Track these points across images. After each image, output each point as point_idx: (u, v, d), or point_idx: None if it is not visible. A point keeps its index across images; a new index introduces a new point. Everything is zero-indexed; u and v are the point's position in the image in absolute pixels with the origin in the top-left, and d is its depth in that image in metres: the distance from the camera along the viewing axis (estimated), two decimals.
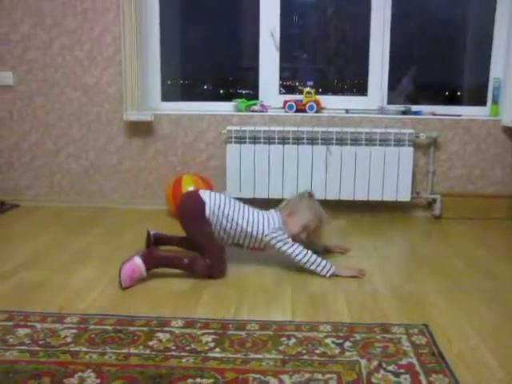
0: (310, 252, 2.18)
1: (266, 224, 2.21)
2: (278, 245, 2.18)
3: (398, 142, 3.00)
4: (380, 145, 3.00)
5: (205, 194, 2.25)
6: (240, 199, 3.01)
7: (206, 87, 3.82)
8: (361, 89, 3.37)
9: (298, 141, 3.03)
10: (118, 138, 3.26)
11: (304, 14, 3.59)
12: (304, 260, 2.17)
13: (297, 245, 2.18)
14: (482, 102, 3.24)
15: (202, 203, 2.20)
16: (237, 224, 2.20)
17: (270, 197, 3.05)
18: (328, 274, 2.15)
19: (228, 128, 3.06)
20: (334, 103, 3.24)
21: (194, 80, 3.75)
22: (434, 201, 3.12)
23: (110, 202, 3.30)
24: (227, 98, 3.44)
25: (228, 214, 2.20)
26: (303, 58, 3.74)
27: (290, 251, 2.18)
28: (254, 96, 3.30)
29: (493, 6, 3.13)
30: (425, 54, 3.53)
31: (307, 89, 3.19)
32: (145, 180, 3.29)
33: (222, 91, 3.82)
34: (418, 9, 3.47)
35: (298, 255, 2.17)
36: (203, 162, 3.23)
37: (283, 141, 3.03)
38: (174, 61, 3.53)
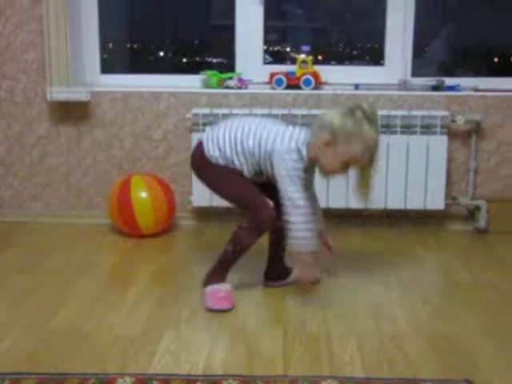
0: (310, 219, 2.18)
1: (279, 138, 2.19)
2: (280, 174, 2.16)
3: (427, 129, 3.04)
4: (402, 133, 3.05)
5: (205, 135, 2.35)
6: (211, 208, 3.09)
7: (162, 54, 3.83)
8: (376, 56, 3.41)
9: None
10: (40, 125, 3.24)
11: None
12: (296, 223, 2.16)
13: (303, 195, 2.16)
14: None
15: (201, 145, 2.30)
16: (248, 142, 2.23)
17: None
18: (298, 248, 2.18)
19: (194, 111, 3.08)
20: (340, 76, 3.27)
21: (147, 44, 3.76)
22: (478, 209, 3.16)
23: (27, 215, 3.29)
24: (192, 69, 3.45)
25: (237, 136, 2.25)
26: (297, 14, 3.78)
27: (288, 197, 2.15)
28: (230, 67, 3.31)
29: None
30: (463, 5, 3.59)
31: (302, 56, 3.21)
32: (78, 183, 3.28)
33: (185, 60, 3.83)
34: None
35: (293, 211, 2.15)
36: (160, 158, 3.23)
37: None
38: (118, 17, 3.54)
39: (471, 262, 2.78)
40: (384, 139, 3.02)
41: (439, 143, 3.05)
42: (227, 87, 3.20)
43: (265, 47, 3.49)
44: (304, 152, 2.17)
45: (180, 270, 2.68)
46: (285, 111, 3.07)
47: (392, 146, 3.05)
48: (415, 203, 3.09)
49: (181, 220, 3.22)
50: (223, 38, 3.44)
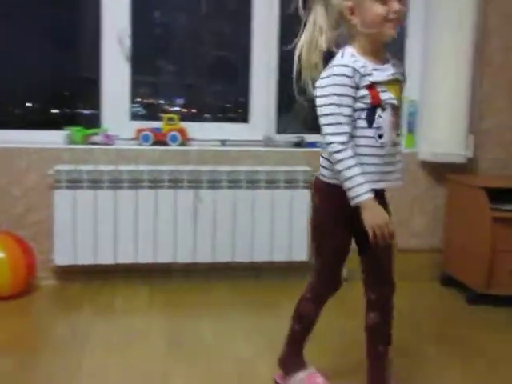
0: (356, 163, 1.78)
1: None
2: (319, 111, 1.82)
3: (290, 184, 3.19)
4: (266, 188, 3.18)
5: None
6: (74, 266, 3.05)
7: (29, 105, 3.76)
8: (245, 112, 3.53)
9: (156, 184, 3.11)
10: None
11: (170, 9, 3.73)
12: (341, 171, 1.79)
13: (342, 138, 1.78)
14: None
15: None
16: None
17: (118, 261, 3.08)
18: (355, 200, 1.79)
19: (57, 167, 3.06)
20: (206, 132, 3.38)
21: (9, 95, 3.67)
22: None
23: None
24: (62, 121, 3.40)
25: None
26: (169, 70, 3.86)
27: (326, 141, 1.80)
28: (99, 120, 3.34)
29: None
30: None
31: (169, 114, 3.32)
32: None
33: (54, 111, 3.78)
34: None
35: (333, 158, 1.80)
36: (19, 216, 3.16)
37: (136, 184, 3.09)
38: None
39: (335, 309, 2.87)
40: (249, 195, 3.17)
41: (302, 197, 3.20)
42: (93, 143, 3.22)
43: (139, 99, 3.56)
44: (351, 51, 1.82)
45: (39, 335, 2.61)
46: (152, 167, 3.12)
47: (257, 201, 3.17)
48: (280, 255, 3.21)
49: (42, 280, 3.14)
50: (93, 91, 3.44)
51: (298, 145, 3.38)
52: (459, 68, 3.26)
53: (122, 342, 2.46)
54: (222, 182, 3.15)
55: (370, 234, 1.78)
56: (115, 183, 3.07)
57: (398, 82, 1.87)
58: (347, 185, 1.77)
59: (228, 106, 3.91)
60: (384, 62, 1.86)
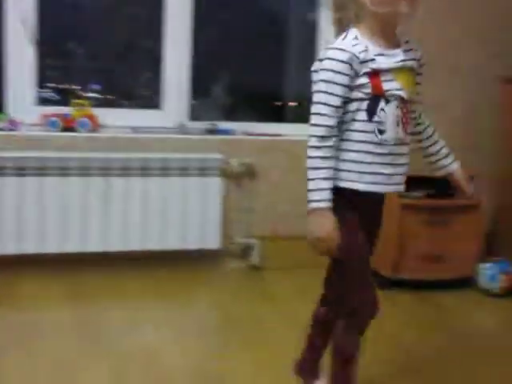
0: (327, 168, 1.60)
1: None
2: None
3: (202, 171, 3.19)
4: (178, 175, 3.16)
5: None
6: None
7: None
8: (158, 99, 3.49)
9: (64, 172, 3.03)
10: None
11: None
12: (308, 166, 1.61)
13: (325, 131, 1.59)
14: (307, 117, 3.61)
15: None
16: None
17: (23, 251, 2.99)
18: (311, 205, 1.61)
19: None
20: (119, 119, 3.32)
21: None
22: (251, 247, 3.34)
23: None
24: None
25: None
26: (83, 55, 3.77)
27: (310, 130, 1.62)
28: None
29: None
30: (242, 52, 3.81)
31: (80, 100, 3.24)
32: None
33: None
34: None
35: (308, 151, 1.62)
36: None
37: (42, 172, 3.01)
38: None
39: (243, 298, 2.92)
40: (161, 182, 3.14)
41: (214, 185, 3.21)
42: None
43: (52, 85, 3.45)
44: (355, 33, 1.60)
45: None
46: (60, 154, 3.04)
47: (168, 189, 3.15)
48: (192, 243, 3.21)
49: None
50: None
51: (211, 132, 3.37)
52: None
53: (26, 335, 2.39)
54: (134, 169, 3.11)
55: (308, 243, 1.62)
56: (20, 170, 2.98)
57: (410, 71, 1.65)
58: (309, 185, 1.59)
59: (145, 92, 3.86)
60: (395, 46, 1.63)
